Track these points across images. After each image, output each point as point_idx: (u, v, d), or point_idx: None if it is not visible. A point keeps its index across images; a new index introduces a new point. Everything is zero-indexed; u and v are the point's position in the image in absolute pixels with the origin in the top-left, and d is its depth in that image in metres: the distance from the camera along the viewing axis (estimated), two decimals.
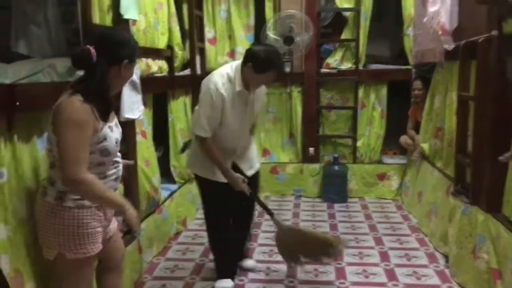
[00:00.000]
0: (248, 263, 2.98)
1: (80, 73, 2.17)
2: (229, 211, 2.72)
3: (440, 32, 3.04)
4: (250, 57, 2.42)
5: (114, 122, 1.75)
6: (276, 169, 4.72)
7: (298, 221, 3.96)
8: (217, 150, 2.52)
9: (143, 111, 2.79)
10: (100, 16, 2.33)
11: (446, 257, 3.03)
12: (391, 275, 2.87)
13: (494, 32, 2.41)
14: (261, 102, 2.71)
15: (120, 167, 1.81)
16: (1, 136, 1.60)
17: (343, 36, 4.61)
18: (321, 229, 3.73)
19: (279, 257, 2.93)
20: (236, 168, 2.61)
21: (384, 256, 3.16)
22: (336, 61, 4.62)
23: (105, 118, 1.65)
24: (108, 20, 2.42)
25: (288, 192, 4.70)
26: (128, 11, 2.52)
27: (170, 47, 3.56)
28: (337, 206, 4.31)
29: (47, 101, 1.87)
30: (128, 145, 2.63)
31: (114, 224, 1.90)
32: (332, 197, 4.44)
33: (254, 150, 2.83)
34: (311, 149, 4.62)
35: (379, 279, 2.83)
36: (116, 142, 1.72)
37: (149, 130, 3.12)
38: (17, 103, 1.62)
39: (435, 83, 3.71)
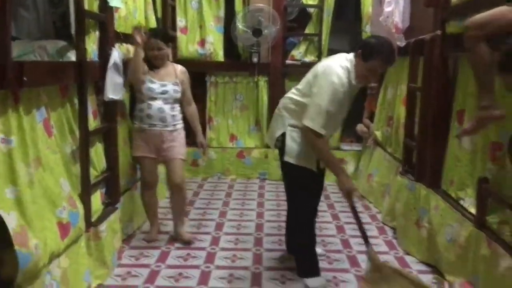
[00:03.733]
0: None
1: (71, 54, 2.38)
2: (317, 205, 2.74)
3: (393, 30, 3.41)
4: (361, 45, 2.42)
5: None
6: (243, 154, 5.01)
7: (262, 200, 4.28)
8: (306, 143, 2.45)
9: (124, 93, 3.00)
10: (89, 3, 2.51)
11: (393, 229, 3.44)
12: (346, 244, 3.24)
13: (438, 32, 2.80)
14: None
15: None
16: (9, 108, 1.79)
17: (307, 31, 4.96)
18: (284, 206, 4.06)
19: (245, 245, 3.16)
20: (318, 164, 2.55)
21: (340, 229, 3.55)
22: (300, 53, 4.96)
23: None
24: (95, 7, 2.60)
25: (253, 176, 5.02)
26: None
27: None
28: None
29: (48, 78, 2.08)
30: (110, 124, 2.83)
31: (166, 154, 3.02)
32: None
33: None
34: None
35: (336, 247, 3.20)
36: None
37: (127, 111, 3.32)
38: (25, 79, 1.81)
39: (389, 77, 4.11)
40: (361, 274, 2.70)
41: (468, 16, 2.33)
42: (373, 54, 2.31)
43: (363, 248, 2.84)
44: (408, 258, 3.01)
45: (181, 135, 3.13)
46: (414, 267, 2.89)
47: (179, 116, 3.14)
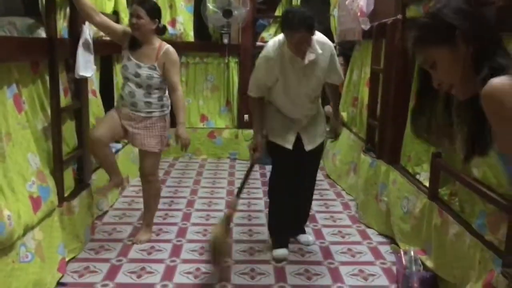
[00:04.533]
0: (304, 237, 2.97)
1: (41, 31, 2.39)
2: (290, 178, 2.71)
3: (358, 14, 3.54)
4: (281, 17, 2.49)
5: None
6: (213, 134, 5.10)
7: (233, 179, 4.40)
8: (284, 118, 2.64)
9: (95, 70, 3.02)
10: None
11: (357, 205, 3.63)
12: (313, 219, 3.41)
13: (399, 16, 2.94)
14: (323, 71, 2.58)
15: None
16: None
17: (276, 13, 5.04)
18: (255, 185, 4.20)
19: (216, 220, 3.17)
20: (298, 140, 2.66)
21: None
22: (270, 35, 5.04)
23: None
24: None
25: (224, 155, 5.12)
26: None
27: (116, 12, 3.75)
28: (268, 168, 4.77)
29: (18, 54, 2.09)
30: (81, 101, 2.86)
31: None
32: (264, 160, 4.86)
33: (321, 125, 2.81)
34: (246, 116, 5.05)
35: None
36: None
37: (97, 89, 3.34)
38: None
39: (354, 59, 4.26)
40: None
41: (426, 1, 2.49)
42: (282, 26, 2.45)
43: (336, 238, 3.08)
44: (369, 231, 3.20)
45: (156, 125, 2.75)
46: (375, 239, 3.08)
47: (158, 104, 2.74)
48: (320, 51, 2.49)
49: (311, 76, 2.55)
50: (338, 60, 2.70)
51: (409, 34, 1.15)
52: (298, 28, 2.32)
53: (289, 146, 2.65)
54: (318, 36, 2.50)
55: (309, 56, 2.44)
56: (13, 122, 2.08)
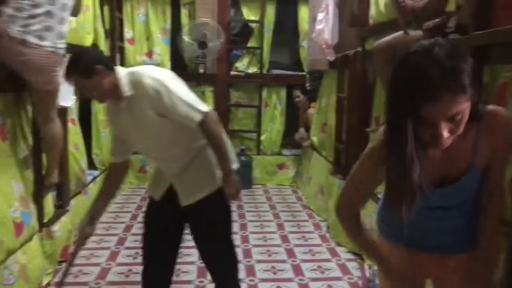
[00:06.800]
0: None
1: None
2: (160, 245, 2.04)
3: (324, 46, 3.81)
4: None
5: None
6: None
7: None
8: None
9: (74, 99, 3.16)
10: None
11: (328, 225, 3.81)
12: (285, 239, 3.56)
13: (359, 48, 3.21)
14: (149, 108, 1.84)
15: None
16: None
17: (249, 44, 5.32)
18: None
19: None
20: (173, 194, 1.94)
21: (280, 226, 3.87)
22: (244, 65, 5.31)
23: None
24: None
25: None
26: None
27: (95, 45, 3.92)
28: (243, 192, 4.93)
29: (5, 86, 2.24)
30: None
31: None
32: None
33: (200, 172, 1.95)
34: None
35: (275, 242, 3.51)
36: None
37: (76, 118, 3.48)
38: None
39: (323, 87, 4.52)
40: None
41: (382, 35, 2.76)
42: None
43: (307, 256, 3.20)
44: (338, 249, 3.37)
45: None
46: (343, 256, 3.25)
47: None
48: (130, 93, 1.84)
49: (140, 120, 1.88)
50: (182, 93, 1.85)
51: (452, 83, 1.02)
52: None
53: (157, 196, 2.00)
54: (135, 76, 1.86)
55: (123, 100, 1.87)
56: None
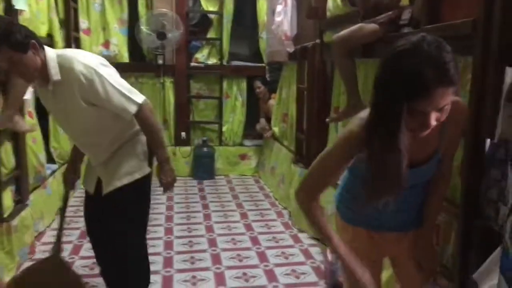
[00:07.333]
0: None
1: None
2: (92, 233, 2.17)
3: (283, 38, 3.88)
4: None
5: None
6: None
7: (172, 195, 4.53)
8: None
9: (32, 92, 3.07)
10: None
11: (289, 212, 3.92)
12: (249, 227, 3.64)
13: (318, 40, 3.31)
14: (78, 96, 1.79)
15: None
16: None
17: (209, 35, 5.31)
18: (193, 199, 4.37)
19: (155, 234, 3.38)
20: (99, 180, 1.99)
21: (244, 215, 3.94)
22: (204, 56, 5.29)
23: None
24: (0, 9, 2.68)
25: None
26: (19, 1, 2.80)
27: (50, 35, 3.80)
28: (206, 182, 4.99)
29: None
30: None
31: None
32: (202, 175, 5.11)
33: (123, 161, 1.95)
34: (183, 134, 5.23)
35: (239, 230, 3.58)
36: None
37: (34, 111, 3.37)
38: None
39: (283, 79, 4.61)
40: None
41: (339, 28, 2.86)
42: None
43: (271, 244, 3.29)
44: (301, 235, 3.49)
45: None
46: (306, 242, 3.36)
47: None
48: (56, 77, 1.78)
49: (66, 107, 1.84)
50: (117, 84, 1.87)
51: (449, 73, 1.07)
52: None
53: (89, 188, 2.04)
54: (65, 60, 1.79)
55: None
56: None
